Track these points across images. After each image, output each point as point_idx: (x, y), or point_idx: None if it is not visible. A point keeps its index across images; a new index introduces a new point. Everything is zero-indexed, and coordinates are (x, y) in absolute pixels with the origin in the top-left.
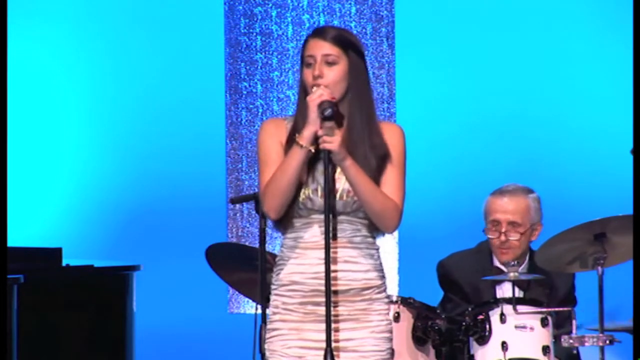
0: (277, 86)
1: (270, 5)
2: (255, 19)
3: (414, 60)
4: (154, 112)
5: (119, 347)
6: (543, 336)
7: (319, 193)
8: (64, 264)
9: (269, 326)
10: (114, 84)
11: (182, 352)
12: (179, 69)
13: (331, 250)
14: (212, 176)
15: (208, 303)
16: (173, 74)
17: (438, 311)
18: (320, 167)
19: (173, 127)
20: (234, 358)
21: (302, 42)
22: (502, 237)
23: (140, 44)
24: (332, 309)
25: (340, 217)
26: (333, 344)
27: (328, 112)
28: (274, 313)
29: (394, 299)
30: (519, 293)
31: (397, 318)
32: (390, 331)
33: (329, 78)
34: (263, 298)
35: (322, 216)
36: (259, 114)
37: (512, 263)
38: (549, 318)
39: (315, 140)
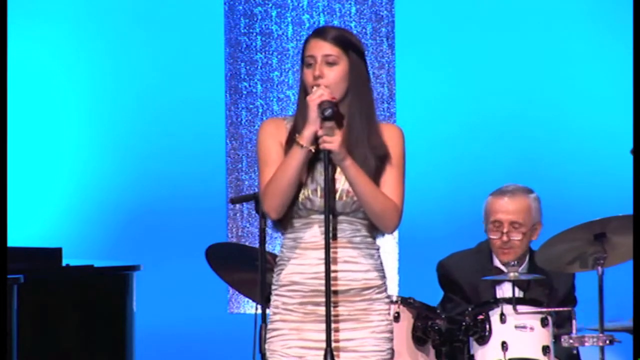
0: (277, 86)
1: (270, 5)
2: (255, 19)
3: (414, 60)
4: (154, 112)
5: (119, 347)
6: (543, 336)
7: (319, 193)
8: (64, 264)
9: (269, 326)
10: (114, 84)
11: (182, 352)
12: (179, 69)
13: (331, 250)
14: (212, 176)
15: (208, 303)
16: (173, 74)
17: (438, 311)
18: (319, 168)
19: (173, 127)
20: (234, 358)
21: (302, 42)
22: (505, 238)
23: (140, 44)
24: (332, 309)
25: (340, 218)
26: (333, 344)
27: (328, 112)
28: (275, 313)
29: (394, 299)
30: (519, 293)
31: (397, 318)
32: (391, 331)
33: (330, 78)
34: (263, 298)
35: (321, 216)
36: (259, 114)
37: (512, 263)
38: (549, 318)
39: (316, 140)
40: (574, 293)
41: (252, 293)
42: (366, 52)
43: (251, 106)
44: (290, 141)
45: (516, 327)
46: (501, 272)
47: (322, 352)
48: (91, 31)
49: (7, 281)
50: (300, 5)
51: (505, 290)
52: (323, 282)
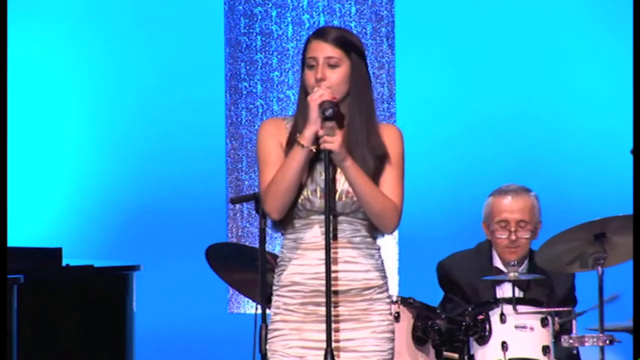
0: (277, 86)
1: (270, 5)
2: (255, 19)
3: (414, 60)
4: (154, 112)
5: (119, 347)
6: (543, 336)
7: (318, 194)
8: (64, 264)
9: (270, 326)
10: (114, 84)
11: (182, 352)
12: (179, 69)
13: (331, 250)
14: (212, 176)
15: (208, 303)
16: (173, 74)
17: (438, 311)
18: (319, 168)
19: (173, 127)
20: (234, 358)
21: (302, 42)
22: (513, 237)
23: (140, 44)
24: (332, 309)
25: (340, 218)
26: (334, 344)
27: (329, 112)
28: (275, 314)
29: (394, 299)
30: (519, 293)
31: (397, 318)
32: (392, 331)
33: (332, 80)
34: (263, 298)
35: (321, 217)
36: (259, 114)
37: (512, 263)
38: (549, 318)
39: (316, 140)
40: (574, 293)
41: (252, 293)
42: (366, 52)
43: (251, 106)
44: (291, 141)
45: (516, 327)
46: (501, 272)
47: (323, 352)
48: (91, 31)
49: (7, 281)
50: (300, 5)
51: (505, 291)
52: (324, 282)
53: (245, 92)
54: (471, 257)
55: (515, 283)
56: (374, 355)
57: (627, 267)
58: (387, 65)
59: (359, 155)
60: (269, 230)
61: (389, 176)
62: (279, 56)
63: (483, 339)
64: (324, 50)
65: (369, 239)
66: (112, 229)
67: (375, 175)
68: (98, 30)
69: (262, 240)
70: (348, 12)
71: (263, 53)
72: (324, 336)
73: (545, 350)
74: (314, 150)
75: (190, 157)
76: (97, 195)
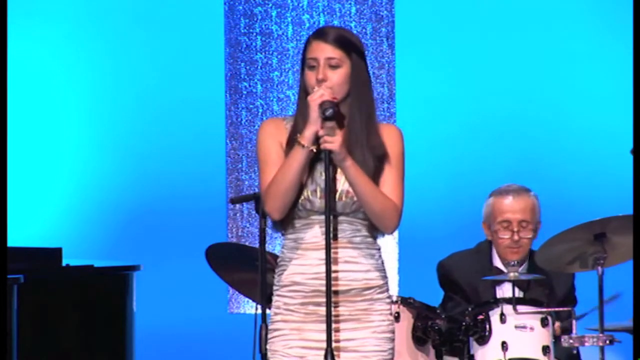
0: (277, 86)
1: (270, 5)
2: (255, 19)
3: (414, 60)
4: (154, 112)
5: (119, 347)
6: (543, 336)
7: (318, 194)
8: (64, 264)
9: (270, 326)
10: (114, 84)
11: (182, 352)
12: (179, 69)
13: (332, 250)
14: (212, 176)
15: (208, 303)
16: (173, 74)
17: (438, 311)
18: (319, 168)
19: (173, 127)
20: (234, 358)
21: (302, 42)
22: (515, 237)
23: (140, 44)
24: (333, 309)
25: (340, 218)
26: (334, 344)
27: (329, 112)
28: (276, 314)
29: (394, 299)
30: (519, 293)
31: (397, 318)
32: (392, 331)
33: (333, 81)
34: (263, 298)
35: (321, 217)
36: (259, 114)
37: (512, 263)
38: (549, 318)
39: (316, 140)
40: (574, 293)
41: (252, 293)
42: (366, 52)
43: (251, 106)
44: (291, 142)
45: (516, 327)
46: (501, 272)
47: (323, 352)
48: (91, 31)
49: (7, 281)
50: (300, 5)
51: (505, 291)
52: (324, 282)
53: (245, 92)
54: (471, 257)
55: (515, 283)
56: (374, 355)
57: (627, 267)
58: (387, 65)
59: (359, 155)
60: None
61: (389, 176)
62: (279, 56)
63: (483, 339)
64: (325, 51)
65: (370, 239)
66: (112, 229)
67: (375, 175)
68: (98, 30)
69: (262, 240)
70: (348, 12)
71: (263, 53)
72: (324, 336)
73: (545, 350)
74: (314, 151)
75: (190, 157)
76: (97, 195)
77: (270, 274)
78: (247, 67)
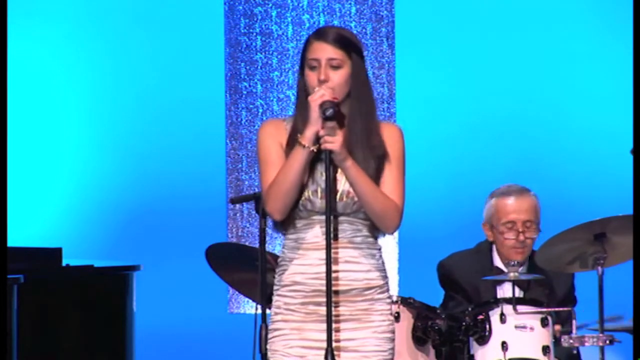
0: (277, 86)
1: (270, 5)
2: (255, 19)
3: (414, 60)
4: (154, 112)
5: (119, 347)
6: (543, 336)
7: (319, 194)
8: (64, 264)
9: (270, 326)
10: (114, 84)
11: (182, 352)
12: (179, 69)
13: (332, 250)
14: (212, 176)
15: (208, 303)
16: (173, 74)
17: (438, 311)
18: (319, 169)
19: (173, 127)
20: (234, 358)
21: (302, 42)
22: (521, 237)
23: (140, 44)
24: (333, 309)
25: (341, 218)
26: (335, 344)
27: (330, 112)
28: (276, 313)
29: (394, 299)
30: (519, 293)
31: (397, 318)
32: (393, 331)
33: (334, 81)
34: (263, 298)
35: (322, 217)
36: (259, 114)
37: (513, 263)
38: (549, 318)
39: (317, 140)
40: (574, 293)
41: (252, 293)
42: (366, 52)
43: (251, 106)
44: (291, 142)
45: (516, 327)
46: (501, 272)
47: (323, 352)
48: (91, 31)
49: (7, 281)
50: (300, 5)
51: (505, 290)
52: (324, 282)
53: (245, 92)
54: (471, 257)
55: (516, 283)
56: (374, 355)
57: (627, 267)
58: (387, 65)
59: (359, 155)
60: (269, 230)
61: (389, 176)
62: (279, 56)
63: (483, 339)
64: (326, 52)
65: (371, 239)
66: (112, 229)
67: (376, 175)
68: (98, 30)
69: (262, 240)
70: (348, 12)
71: (263, 53)
72: (324, 336)
73: (545, 350)
74: (315, 151)
75: (190, 157)
76: (97, 195)
77: (270, 274)
78: (247, 67)
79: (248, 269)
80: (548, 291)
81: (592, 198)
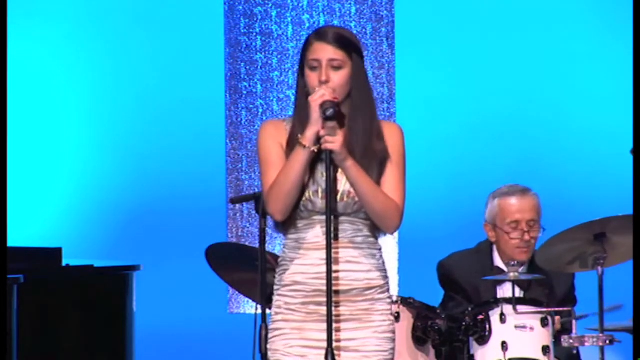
0: (277, 86)
1: (270, 5)
2: (255, 19)
3: (414, 60)
4: (154, 112)
5: (119, 347)
6: (543, 336)
7: (320, 195)
8: (64, 264)
9: (271, 326)
10: (114, 84)
11: (182, 352)
12: (179, 69)
13: (333, 250)
14: (212, 176)
15: (208, 303)
16: (173, 74)
17: (438, 311)
18: (320, 169)
19: (173, 127)
20: (234, 358)
21: (302, 42)
22: (526, 237)
23: (140, 44)
24: (334, 309)
25: (342, 218)
26: (335, 344)
27: (330, 112)
28: (277, 313)
29: (394, 299)
30: (519, 293)
31: (397, 318)
32: (393, 331)
33: (335, 82)
34: (263, 298)
35: (323, 217)
36: (259, 114)
37: (512, 263)
38: (549, 318)
39: (317, 140)
40: (574, 293)
41: (252, 293)
42: (366, 52)
43: (251, 106)
44: (291, 142)
45: (516, 327)
46: (502, 272)
47: (324, 352)
48: (91, 31)
49: (7, 281)
50: (300, 5)
51: (506, 290)
52: (325, 282)
53: (245, 92)
54: (471, 257)
55: (516, 283)
56: (375, 355)
57: (627, 267)
58: (387, 65)
59: (360, 155)
60: (269, 230)
61: (390, 176)
62: (279, 56)
63: (483, 339)
64: (327, 52)
65: (371, 239)
66: (112, 229)
67: (376, 175)
68: (98, 30)
69: (262, 240)
70: (348, 12)
71: (263, 53)
72: (325, 336)
73: (545, 350)
74: (316, 151)
75: (190, 157)
76: (97, 195)
77: (270, 274)
78: (247, 67)
79: (248, 269)
80: (548, 291)
81: (592, 198)
